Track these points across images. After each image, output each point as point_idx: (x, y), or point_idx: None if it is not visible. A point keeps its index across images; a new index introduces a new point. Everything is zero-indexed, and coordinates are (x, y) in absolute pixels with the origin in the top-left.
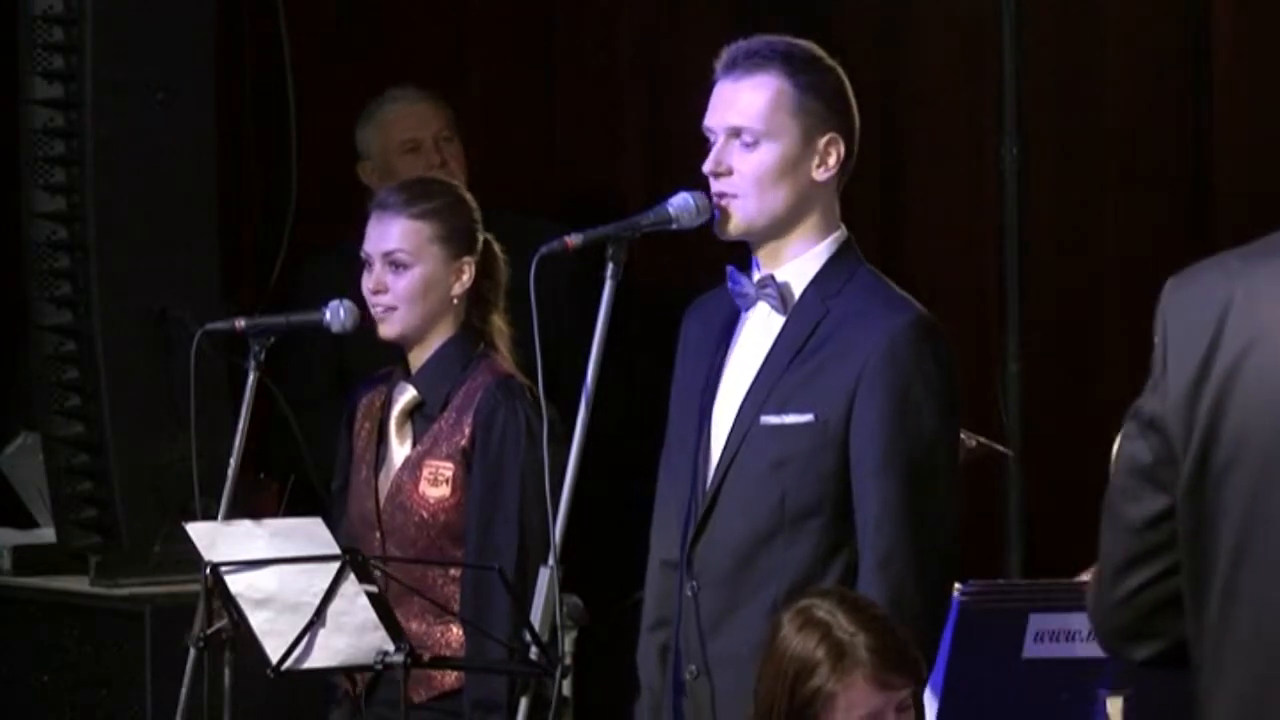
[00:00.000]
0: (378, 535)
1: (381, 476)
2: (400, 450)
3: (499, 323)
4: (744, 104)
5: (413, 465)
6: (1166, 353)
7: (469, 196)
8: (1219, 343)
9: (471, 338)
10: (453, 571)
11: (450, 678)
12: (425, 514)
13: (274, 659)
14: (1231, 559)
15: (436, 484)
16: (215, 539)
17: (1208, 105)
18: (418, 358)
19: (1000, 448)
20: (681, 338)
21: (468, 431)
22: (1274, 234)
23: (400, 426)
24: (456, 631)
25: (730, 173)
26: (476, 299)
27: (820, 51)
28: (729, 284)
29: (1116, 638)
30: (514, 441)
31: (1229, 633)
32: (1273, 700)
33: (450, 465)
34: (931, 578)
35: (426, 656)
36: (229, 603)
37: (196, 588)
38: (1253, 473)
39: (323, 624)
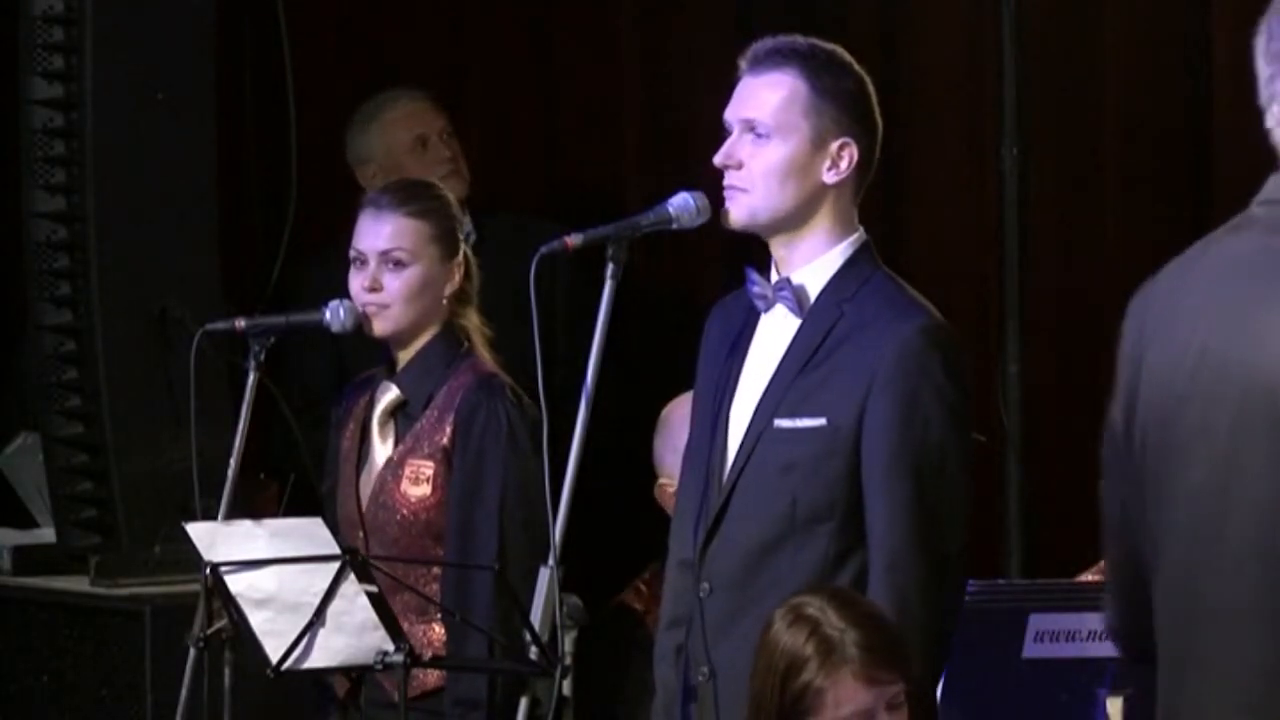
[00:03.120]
0: (361, 535)
1: (364, 476)
2: (382, 450)
3: (476, 320)
4: (758, 99)
5: (395, 465)
6: (1123, 351)
7: (451, 198)
8: (1141, 338)
9: (455, 337)
10: (435, 570)
11: (433, 676)
12: (407, 513)
13: (274, 659)
14: (1152, 536)
15: (418, 483)
16: (215, 539)
17: (1208, 105)
18: (403, 357)
19: (979, 437)
20: (704, 338)
21: (449, 430)
22: (1212, 233)
23: (383, 426)
24: (439, 630)
25: (740, 166)
26: (458, 298)
27: (846, 56)
28: (747, 285)
29: (1141, 637)
30: (494, 440)
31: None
32: (1185, 677)
33: (431, 464)
34: (939, 582)
35: (426, 656)
36: (229, 603)
37: (196, 588)
38: (1152, 461)
39: (322, 624)
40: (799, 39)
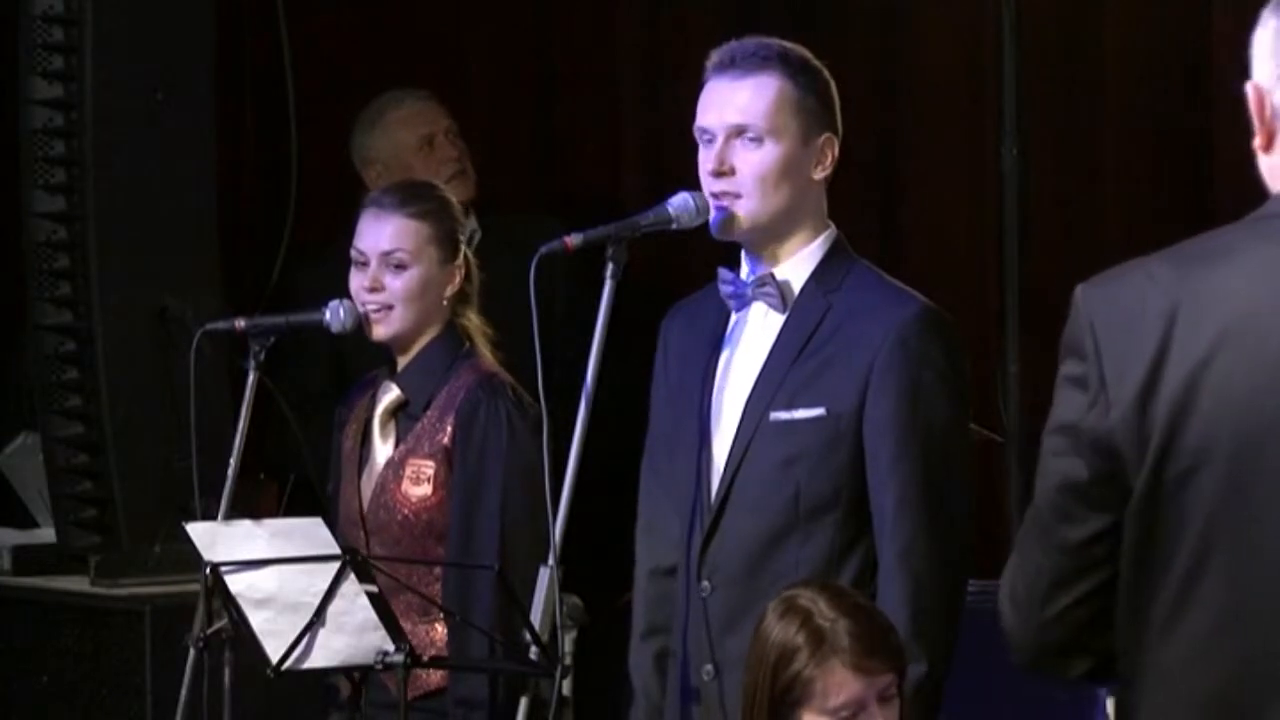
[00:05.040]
0: (363, 535)
1: (365, 476)
2: (383, 450)
3: (478, 321)
4: (747, 103)
5: (396, 465)
6: (1102, 365)
7: (453, 200)
8: (1167, 353)
9: (457, 338)
10: (436, 570)
11: (436, 676)
12: (408, 512)
13: (274, 659)
14: (1189, 568)
15: (419, 483)
16: (215, 539)
17: (1208, 105)
18: (404, 358)
19: (994, 435)
20: (662, 344)
21: (449, 430)
22: (1198, 239)
23: (384, 426)
24: (441, 630)
25: (734, 172)
26: (458, 299)
27: (809, 53)
28: (723, 286)
29: (1047, 655)
30: (495, 439)
31: (1175, 646)
32: (1241, 706)
33: (432, 464)
34: (951, 566)
35: (426, 656)
36: (229, 603)
37: (196, 588)
38: (1218, 481)
39: (323, 624)
40: (767, 39)
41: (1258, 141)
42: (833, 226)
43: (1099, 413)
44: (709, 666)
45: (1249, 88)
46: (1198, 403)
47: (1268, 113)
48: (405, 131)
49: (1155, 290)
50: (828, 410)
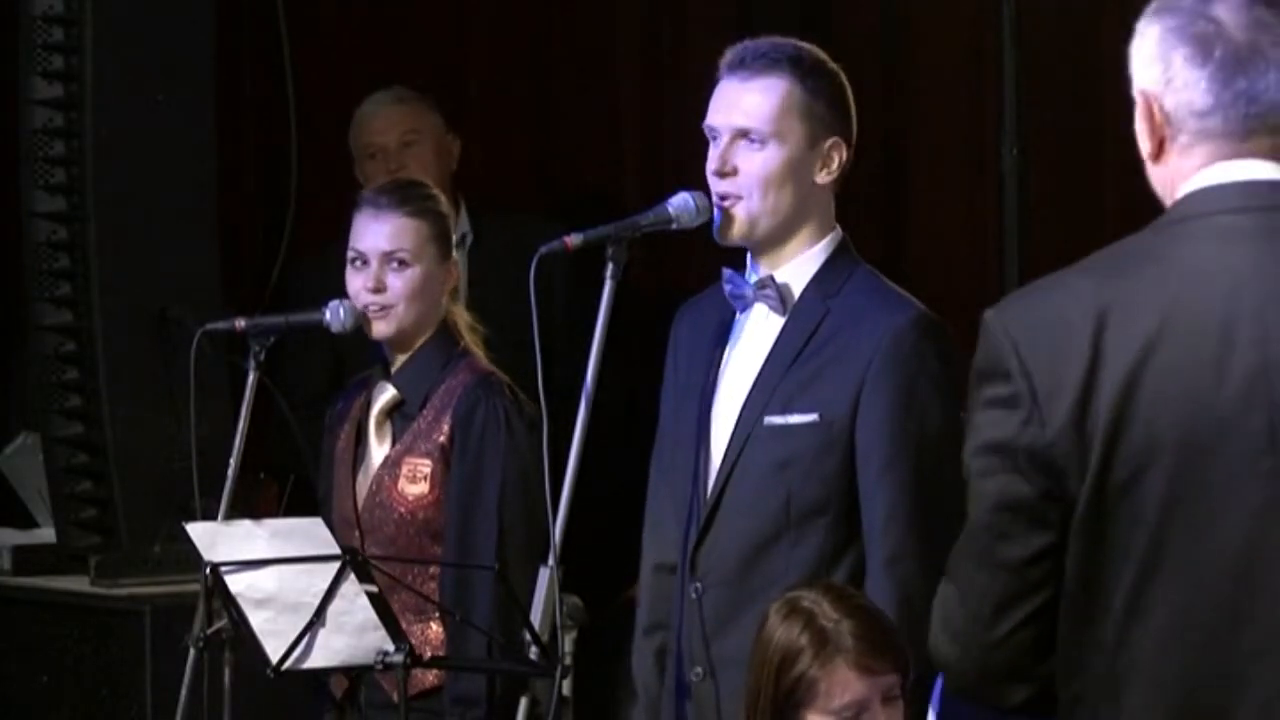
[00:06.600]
0: (357, 535)
1: (360, 476)
2: (379, 450)
3: (467, 317)
4: (752, 105)
5: (392, 463)
6: (1033, 382)
7: (443, 198)
8: (1100, 360)
9: (451, 337)
10: (432, 569)
11: (431, 676)
12: (404, 510)
13: (274, 659)
14: (1142, 569)
15: (415, 481)
16: (215, 539)
17: None
18: (400, 357)
19: None
20: (672, 340)
21: (446, 428)
22: (1108, 250)
23: (379, 426)
24: (436, 629)
25: (735, 173)
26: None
27: (825, 55)
28: (725, 286)
29: (990, 682)
30: (493, 438)
31: (1130, 651)
32: (1197, 704)
33: (429, 462)
34: (940, 572)
35: (424, 656)
36: (229, 603)
37: (196, 588)
38: (1167, 480)
39: (323, 624)
40: (781, 40)
41: (1147, 151)
42: (838, 229)
43: (1035, 429)
44: (699, 668)
45: (1136, 95)
46: (1136, 406)
47: (1158, 119)
48: (358, 136)
49: (1077, 302)
50: (821, 416)
